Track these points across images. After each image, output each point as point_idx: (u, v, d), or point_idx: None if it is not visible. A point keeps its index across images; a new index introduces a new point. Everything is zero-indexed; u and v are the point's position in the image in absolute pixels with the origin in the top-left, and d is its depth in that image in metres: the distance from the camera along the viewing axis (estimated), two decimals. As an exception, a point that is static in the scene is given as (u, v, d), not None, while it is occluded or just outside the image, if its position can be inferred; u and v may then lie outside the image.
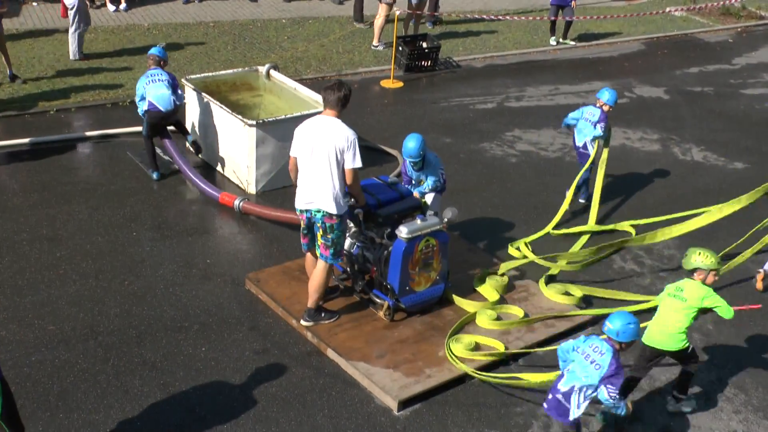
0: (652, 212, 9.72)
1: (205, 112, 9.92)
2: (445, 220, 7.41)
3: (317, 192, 6.74)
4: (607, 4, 19.07)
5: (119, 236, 8.47)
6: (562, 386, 5.70)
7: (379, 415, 6.40)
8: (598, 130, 9.38)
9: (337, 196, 6.73)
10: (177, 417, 6.20)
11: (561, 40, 16.01)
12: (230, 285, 7.82)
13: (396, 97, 12.87)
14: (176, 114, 9.53)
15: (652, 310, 6.86)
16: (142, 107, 9.39)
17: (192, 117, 10.18)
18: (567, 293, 7.84)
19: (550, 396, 5.80)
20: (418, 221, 7.09)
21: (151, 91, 9.25)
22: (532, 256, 8.38)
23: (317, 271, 7.03)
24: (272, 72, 10.75)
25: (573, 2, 15.40)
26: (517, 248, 8.71)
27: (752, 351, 7.50)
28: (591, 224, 9.26)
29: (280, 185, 9.57)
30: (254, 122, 9.23)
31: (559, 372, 5.92)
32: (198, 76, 10.52)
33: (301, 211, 6.94)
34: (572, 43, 16.14)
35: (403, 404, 6.47)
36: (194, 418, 6.20)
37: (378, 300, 7.37)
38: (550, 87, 13.77)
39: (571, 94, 13.52)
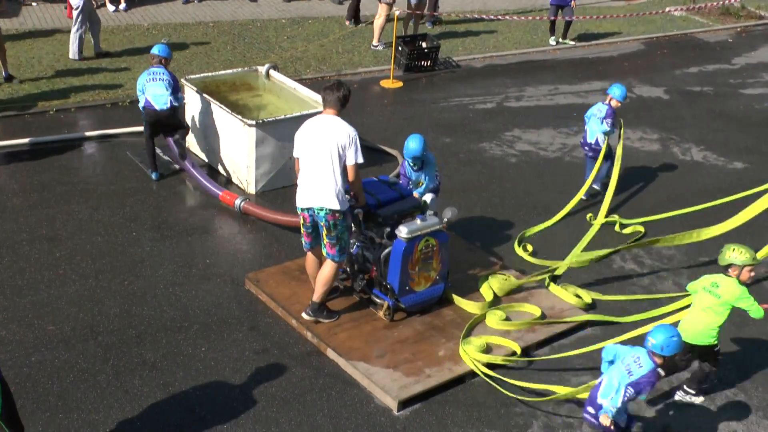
0: (652, 212, 9.72)
1: (205, 113, 9.92)
2: (445, 220, 7.42)
3: (319, 189, 6.75)
4: (606, 3, 19.07)
5: (119, 236, 8.47)
6: (603, 399, 5.71)
7: (379, 415, 6.40)
8: (605, 126, 9.49)
9: (339, 193, 6.74)
10: (177, 417, 6.21)
11: (560, 40, 16.01)
12: (230, 285, 7.82)
13: (395, 97, 12.87)
14: (173, 115, 9.37)
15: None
16: (141, 101, 9.37)
17: (191, 117, 10.17)
18: (577, 296, 7.88)
19: (590, 408, 5.80)
20: (418, 221, 7.10)
21: (150, 89, 9.24)
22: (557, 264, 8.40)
23: (326, 264, 7.04)
24: (272, 72, 10.75)
25: (573, 2, 15.40)
26: (524, 247, 8.76)
27: (752, 351, 7.50)
28: (601, 217, 9.30)
29: (279, 185, 9.57)
30: (254, 122, 9.23)
31: (593, 382, 5.96)
32: (197, 76, 10.51)
33: (303, 209, 6.94)
34: (572, 42, 16.14)
35: (403, 404, 6.47)
36: (194, 418, 6.21)
37: (378, 300, 7.37)
38: (549, 87, 13.77)
39: (571, 94, 13.52)
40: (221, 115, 9.64)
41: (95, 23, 12.91)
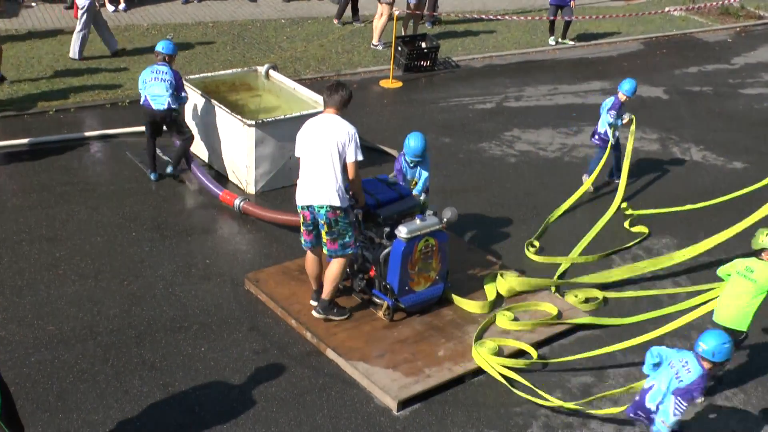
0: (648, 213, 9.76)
1: (205, 113, 9.92)
2: (444, 220, 7.42)
3: (320, 186, 6.76)
4: (606, 3, 19.07)
5: (118, 236, 8.47)
6: (651, 403, 5.70)
7: (379, 415, 6.40)
8: (609, 117, 9.77)
9: (339, 189, 6.75)
10: (176, 417, 6.21)
11: (560, 39, 16.01)
12: (230, 285, 7.82)
13: (395, 97, 12.87)
14: (170, 116, 9.24)
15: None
16: (141, 98, 9.32)
17: (191, 117, 10.17)
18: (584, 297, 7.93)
19: (640, 412, 5.80)
20: (418, 221, 7.10)
21: (150, 88, 9.18)
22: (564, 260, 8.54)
23: (334, 262, 7.04)
24: (271, 72, 10.75)
25: (572, 2, 15.40)
26: (532, 245, 8.83)
27: (751, 350, 7.49)
28: (611, 211, 9.52)
29: (279, 185, 9.57)
30: (253, 122, 9.23)
31: (637, 384, 6.03)
32: (197, 76, 10.52)
33: (303, 207, 6.94)
34: (571, 42, 16.14)
35: (403, 404, 6.47)
36: (194, 418, 6.21)
37: (377, 300, 7.37)
38: (549, 87, 13.77)
39: (570, 94, 13.53)
40: (221, 116, 9.64)
41: (101, 25, 12.91)
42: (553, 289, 7.96)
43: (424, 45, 13.93)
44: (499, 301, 7.71)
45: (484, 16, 16.58)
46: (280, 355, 6.94)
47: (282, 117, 9.54)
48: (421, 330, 7.25)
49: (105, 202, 9.10)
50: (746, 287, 6.45)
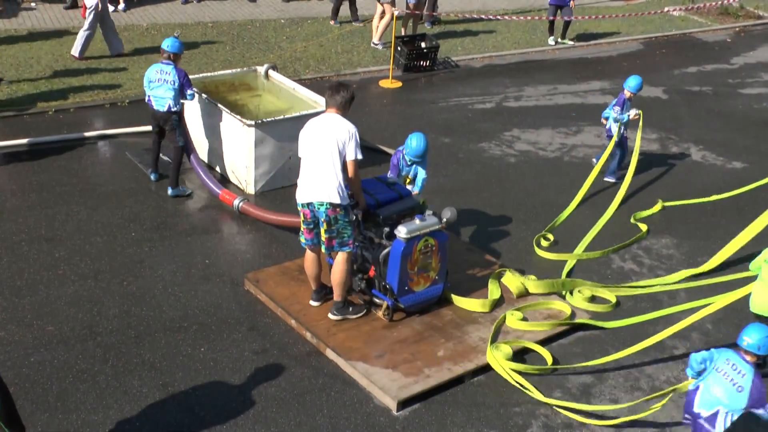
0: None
1: (204, 113, 9.92)
2: (444, 220, 7.42)
3: (320, 184, 6.78)
4: (605, 3, 19.07)
5: (118, 237, 8.47)
6: (704, 410, 5.57)
7: (379, 415, 6.40)
8: (613, 113, 10.02)
9: (339, 187, 6.77)
10: (176, 417, 6.20)
11: (559, 39, 16.01)
12: (229, 285, 7.82)
13: (394, 97, 12.88)
14: (169, 119, 9.11)
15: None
16: (146, 96, 9.25)
17: (190, 117, 10.17)
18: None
19: (688, 417, 5.71)
20: (417, 221, 7.09)
21: (153, 89, 9.08)
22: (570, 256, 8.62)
23: (336, 264, 7.06)
24: (271, 72, 10.75)
25: (571, 2, 15.40)
26: (545, 239, 8.92)
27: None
28: (613, 206, 9.63)
29: (279, 185, 9.57)
30: (253, 122, 9.23)
31: (682, 385, 6.02)
32: (197, 76, 10.49)
33: (303, 205, 6.95)
34: (571, 42, 16.14)
35: (403, 404, 6.47)
36: (193, 418, 6.20)
37: (377, 300, 7.37)
38: (548, 87, 13.78)
39: (570, 94, 13.53)
40: (220, 116, 9.63)
41: (108, 27, 12.90)
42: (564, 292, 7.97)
43: (423, 45, 13.94)
44: (500, 300, 7.70)
45: (483, 16, 16.58)
46: (279, 355, 6.94)
47: (281, 117, 9.55)
48: (420, 330, 7.25)
49: (104, 202, 9.10)
50: None
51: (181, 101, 9.18)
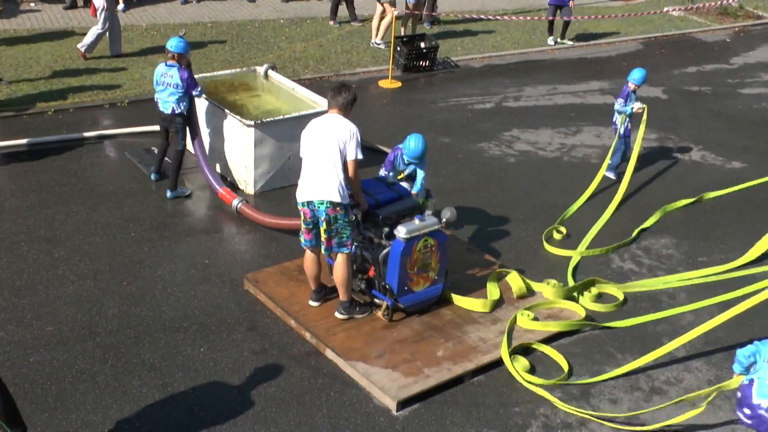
0: (650, 213, 9.74)
1: (204, 113, 9.91)
2: (444, 220, 7.42)
3: (320, 182, 6.79)
4: (604, 3, 19.08)
5: (117, 237, 8.47)
6: (764, 400, 5.58)
7: (378, 415, 6.40)
8: (616, 105, 10.27)
9: (340, 186, 6.78)
10: (175, 417, 6.20)
11: (559, 39, 16.02)
12: (229, 285, 7.82)
13: (394, 97, 12.88)
14: (173, 121, 9.07)
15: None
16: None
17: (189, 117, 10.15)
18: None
19: (747, 410, 5.70)
20: (417, 221, 7.09)
21: (159, 92, 9.05)
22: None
23: (337, 265, 7.07)
24: (270, 72, 10.75)
25: (571, 2, 15.41)
26: (558, 231, 9.08)
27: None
28: (612, 207, 9.67)
29: (278, 185, 9.57)
30: (252, 123, 9.22)
31: (725, 384, 6.05)
32: (196, 76, 10.47)
33: (303, 204, 6.95)
34: (570, 42, 16.15)
35: (402, 404, 6.47)
36: (193, 418, 6.20)
37: (377, 300, 7.37)
38: (548, 87, 13.78)
39: (569, 94, 13.53)
40: (220, 116, 9.62)
41: (115, 28, 12.91)
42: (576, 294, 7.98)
43: (423, 45, 13.94)
44: (500, 300, 7.70)
45: (483, 16, 16.59)
46: (279, 355, 6.94)
47: (281, 117, 9.54)
48: (420, 330, 7.25)
49: (104, 202, 9.10)
50: None
51: (185, 103, 9.08)
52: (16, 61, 12.52)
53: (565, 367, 6.99)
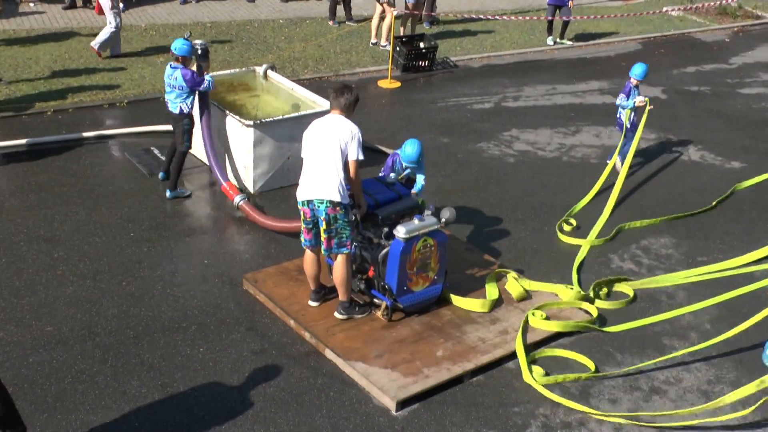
0: (650, 212, 9.75)
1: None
2: (443, 220, 7.42)
3: (320, 182, 6.80)
4: (604, 3, 19.08)
5: (117, 237, 8.47)
6: None
7: (378, 415, 6.40)
8: (618, 100, 10.46)
9: (340, 185, 6.79)
10: (175, 418, 6.20)
11: (558, 39, 16.02)
12: (228, 285, 7.82)
13: (393, 97, 12.88)
14: (179, 121, 9.08)
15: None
16: None
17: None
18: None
19: None
20: (416, 221, 7.09)
21: (167, 93, 9.06)
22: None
23: (336, 265, 7.08)
24: (269, 72, 10.75)
25: (570, 2, 15.42)
26: (568, 223, 9.27)
27: (750, 349, 7.49)
28: (615, 191, 9.87)
29: (277, 185, 9.57)
30: (252, 123, 9.22)
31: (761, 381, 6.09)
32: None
33: (303, 203, 6.96)
34: (569, 42, 16.15)
35: (402, 404, 6.46)
36: (192, 418, 6.20)
37: (376, 300, 7.37)
38: (547, 87, 13.78)
39: (569, 94, 13.53)
40: (219, 116, 9.62)
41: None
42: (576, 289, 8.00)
43: (422, 45, 13.94)
44: (499, 300, 7.70)
45: (482, 16, 16.59)
46: (278, 355, 6.94)
47: (280, 117, 9.54)
48: (419, 330, 7.25)
49: (103, 202, 9.10)
50: None
51: (191, 102, 9.06)
52: (16, 61, 12.52)
53: (591, 366, 7.02)
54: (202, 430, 6.11)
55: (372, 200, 7.32)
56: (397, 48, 13.61)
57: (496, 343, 7.13)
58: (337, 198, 6.78)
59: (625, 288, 8.17)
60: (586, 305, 7.71)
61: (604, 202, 9.77)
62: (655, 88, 14.03)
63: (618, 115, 10.56)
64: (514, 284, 7.80)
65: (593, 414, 6.50)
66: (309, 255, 7.24)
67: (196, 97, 9.20)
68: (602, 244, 8.97)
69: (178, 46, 8.93)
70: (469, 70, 14.34)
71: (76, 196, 9.18)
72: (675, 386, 6.96)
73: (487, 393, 6.72)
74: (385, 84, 13.23)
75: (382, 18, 14.42)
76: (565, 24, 15.84)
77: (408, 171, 8.14)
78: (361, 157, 6.86)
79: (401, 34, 14.56)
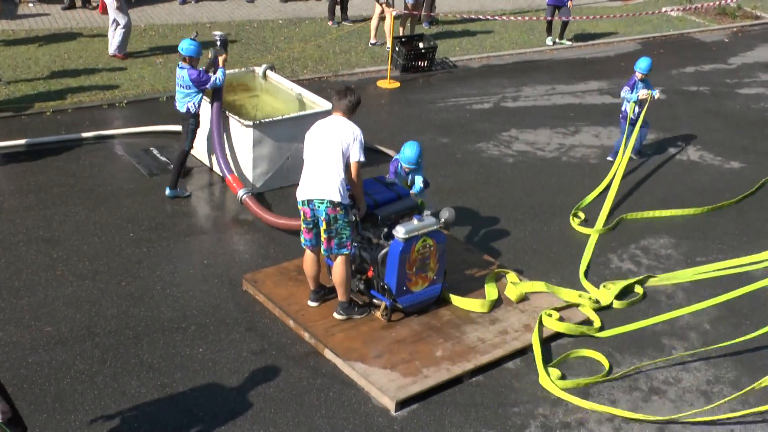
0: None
1: (203, 113, 9.89)
2: (442, 220, 7.42)
3: (321, 182, 6.81)
4: (603, 4, 19.09)
5: (116, 237, 8.47)
6: None
7: (377, 416, 6.40)
8: (623, 93, 10.72)
9: (341, 185, 6.80)
10: (174, 418, 6.20)
11: (557, 40, 16.02)
12: (227, 286, 7.82)
13: (392, 97, 12.88)
14: (186, 119, 9.11)
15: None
16: None
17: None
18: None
19: None
20: (415, 221, 7.10)
21: (176, 92, 9.11)
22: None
23: (336, 265, 7.09)
24: (269, 72, 10.75)
25: (569, 2, 15.42)
26: (576, 216, 9.46)
27: (749, 349, 7.50)
28: (616, 182, 10.00)
29: (277, 186, 9.57)
30: (251, 123, 9.22)
31: None
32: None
33: (303, 203, 6.96)
34: (569, 43, 16.15)
35: (401, 404, 6.47)
36: (192, 419, 6.20)
37: (375, 300, 7.38)
38: (546, 87, 13.78)
39: (568, 94, 13.54)
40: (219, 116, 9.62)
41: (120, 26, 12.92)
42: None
43: (421, 45, 13.94)
44: (498, 300, 7.70)
45: (481, 17, 16.59)
46: (278, 355, 6.94)
47: (280, 117, 9.54)
48: (418, 330, 7.25)
49: (102, 202, 9.09)
50: None
51: (198, 102, 9.08)
52: (15, 61, 12.52)
53: (606, 364, 7.05)
54: (202, 430, 6.11)
55: (371, 200, 7.32)
56: (397, 48, 13.61)
57: (496, 344, 7.14)
58: (338, 198, 6.79)
59: (637, 288, 8.20)
60: (594, 315, 7.67)
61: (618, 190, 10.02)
62: (655, 88, 14.00)
63: (623, 108, 10.76)
64: (513, 289, 7.78)
65: (629, 416, 6.51)
66: (309, 255, 7.24)
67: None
68: (605, 232, 9.17)
69: (184, 46, 8.97)
70: (468, 70, 14.34)
71: (75, 196, 9.18)
72: (674, 386, 6.97)
73: (486, 393, 6.73)
74: (385, 84, 13.23)
75: (382, 18, 14.42)
76: (565, 24, 15.85)
77: (411, 174, 8.15)
78: (362, 158, 6.88)
79: (400, 34, 14.55)
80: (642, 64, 10.59)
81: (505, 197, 9.95)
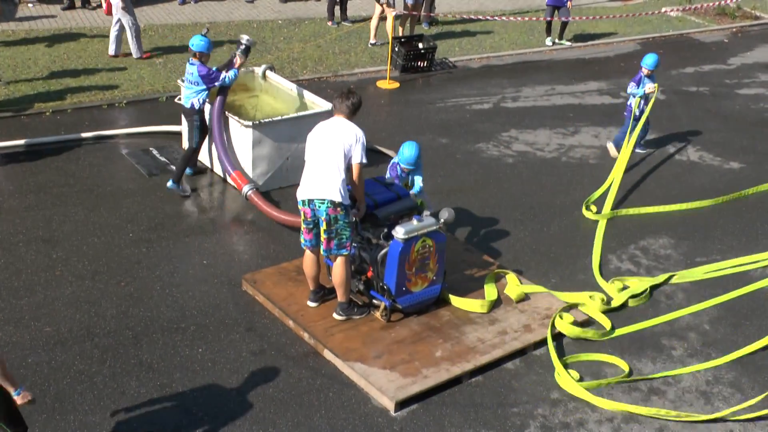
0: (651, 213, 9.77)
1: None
2: (442, 220, 7.42)
3: (322, 182, 6.82)
4: (602, 4, 19.09)
5: (115, 237, 8.46)
6: None
7: (376, 416, 6.40)
8: (628, 89, 10.85)
9: (341, 185, 6.80)
10: (174, 418, 6.20)
11: (557, 40, 16.02)
12: (227, 286, 7.82)
13: (392, 97, 12.88)
14: (191, 115, 9.15)
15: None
16: None
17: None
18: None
19: None
20: (415, 222, 7.10)
21: (184, 87, 9.21)
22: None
23: (336, 265, 7.09)
24: (268, 73, 10.75)
25: (569, 2, 15.42)
26: (588, 208, 9.61)
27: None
28: (619, 172, 10.19)
29: (276, 186, 9.57)
30: (251, 123, 9.22)
31: None
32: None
33: (304, 203, 6.97)
34: (568, 43, 16.15)
35: (400, 405, 6.47)
36: (191, 419, 6.20)
37: (375, 301, 7.37)
38: (546, 87, 13.78)
39: (567, 95, 13.54)
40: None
41: (120, 27, 12.91)
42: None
43: (421, 46, 13.93)
44: (498, 300, 7.70)
45: (481, 17, 16.59)
46: (277, 355, 6.94)
47: (279, 118, 9.54)
48: (418, 330, 7.25)
49: (102, 203, 9.09)
50: None
51: (203, 99, 9.14)
52: (15, 61, 12.51)
53: (625, 367, 7.05)
54: (201, 430, 6.11)
55: (371, 201, 7.32)
56: (396, 48, 13.61)
57: (495, 344, 7.14)
58: (338, 198, 6.79)
59: (644, 285, 8.22)
60: (604, 319, 7.66)
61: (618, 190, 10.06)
62: (654, 88, 14.03)
63: (629, 103, 10.86)
64: (513, 289, 7.78)
65: (674, 418, 6.53)
66: (308, 255, 7.24)
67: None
68: (612, 216, 9.43)
69: (195, 42, 9.06)
70: (468, 70, 14.34)
71: (74, 196, 9.18)
72: (674, 386, 6.97)
73: (485, 393, 6.73)
74: (384, 84, 13.23)
75: (383, 18, 14.42)
76: (564, 24, 15.84)
77: (410, 175, 8.15)
78: (364, 160, 6.90)
79: (400, 34, 14.55)
80: (648, 60, 10.70)
81: (504, 197, 9.95)
